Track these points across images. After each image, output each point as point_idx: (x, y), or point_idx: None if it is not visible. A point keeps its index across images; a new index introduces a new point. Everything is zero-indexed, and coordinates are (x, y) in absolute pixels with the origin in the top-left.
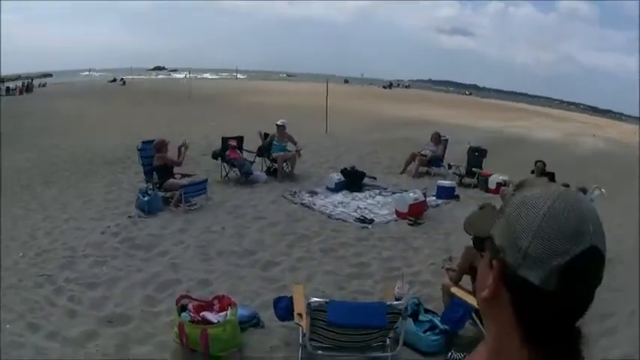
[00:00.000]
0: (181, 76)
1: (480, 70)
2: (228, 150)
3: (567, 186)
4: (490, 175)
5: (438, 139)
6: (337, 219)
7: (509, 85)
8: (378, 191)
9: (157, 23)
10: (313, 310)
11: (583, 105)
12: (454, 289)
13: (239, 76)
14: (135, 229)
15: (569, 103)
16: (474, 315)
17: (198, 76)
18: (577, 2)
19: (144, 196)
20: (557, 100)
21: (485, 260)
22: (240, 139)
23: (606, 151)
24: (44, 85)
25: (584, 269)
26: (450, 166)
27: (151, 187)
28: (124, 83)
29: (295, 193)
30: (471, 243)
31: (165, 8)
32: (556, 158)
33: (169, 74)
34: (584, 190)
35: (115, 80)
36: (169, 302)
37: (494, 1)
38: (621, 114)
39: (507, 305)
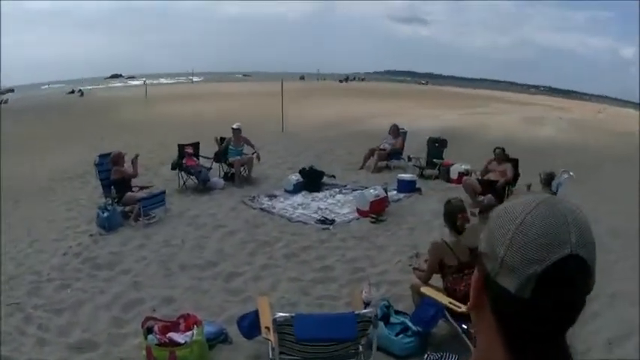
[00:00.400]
0: (139, 82)
1: (437, 57)
2: (185, 157)
3: (550, 176)
4: (451, 165)
5: (396, 131)
6: (298, 222)
7: (467, 72)
8: (337, 190)
9: (111, 29)
10: (279, 326)
11: (544, 87)
12: (424, 289)
13: (195, 79)
14: (96, 248)
15: (530, 86)
16: (446, 313)
17: (155, 82)
18: None
19: (103, 213)
20: (517, 84)
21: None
22: (196, 146)
23: (571, 134)
24: (6, 102)
25: (562, 277)
26: (410, 159)
27: (109, 202)
28: (82, 94)
29: (254, 197)
30: (437, 238)
31: (121, 12)
32: (520, 144)
33: (126, 82)
34: (551, 175)
35: (73, 92)
36: (135, 323)
37: None
38: (584, 93)
39: (490, 313)
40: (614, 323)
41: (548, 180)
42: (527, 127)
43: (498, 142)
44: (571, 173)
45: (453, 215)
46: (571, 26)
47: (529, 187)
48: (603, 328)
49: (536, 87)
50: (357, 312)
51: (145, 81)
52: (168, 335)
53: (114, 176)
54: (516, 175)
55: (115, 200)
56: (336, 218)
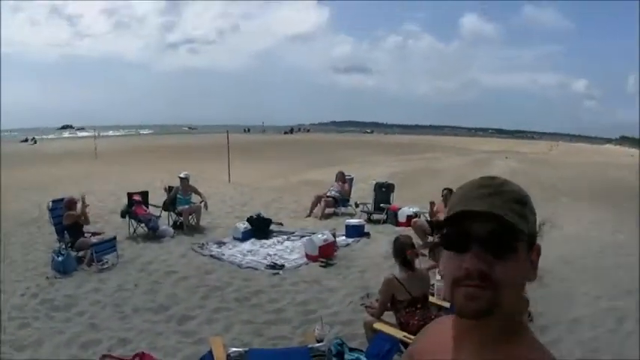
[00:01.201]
0: (88, 134)
1: (382, 106)
2: (134, 206)
3: None
4: (399, 209)
5: (342, 178)
6: (248, 267)
7: (412, 119)
8: (286, 237)
9: (64, 79)
10: None
11: (492, 129)
12: (377, 325)
13: (143, 131)
14: (52, 290)
15: (477, 129)
16: (401, 347)
17: (103, 134)
18: (481, 24)
19: (58, 257)
20: (463, 127)
21: (521, 254)
22: (144, 194)
23: (524, 170)
24: None
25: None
26: (357, 205)
27: (63, 246)
28: (35, 142)
29: (203, 245)
30: (388, 276)
31: (72, 63)
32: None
33: (75, 133)
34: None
35: (26, 140)
36: None
37: (391, 35)
38: (534, 132)
39: None
40: (575, 347)
41: None
42: (475, 169)
43: (446, 184)
44: (550, 224)
45: (402, 251)
46: (519, 64)
47: None
48: (566, 353)
49: (484, 130)
50: (310, 346)
51: (96, 133)
52: None
53: (66, 221)
54: None
55: (69, 245)
56: (285, 263)
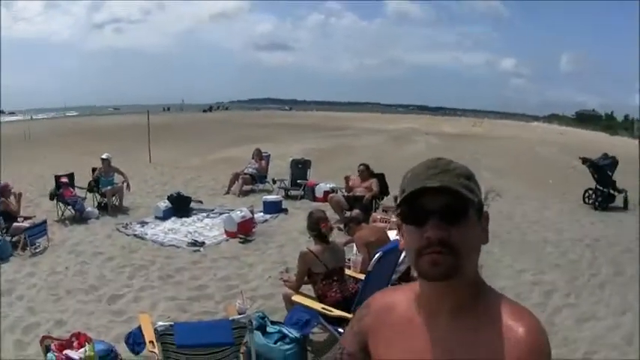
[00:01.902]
0: (18, 118)
1: (302, 83)
2: (61, 188)
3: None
4: (316, 184)
5: (259, 155)
6: (170, 245)
7: (333, 96)
8: (205, 214)
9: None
10: (161, 335)
11: (413, 106)
12: (296, 297)
13: (70, 113)
14: None
15: (399, 106)
16: (321, 319)
17: (33, 117)
18: (407, 4)
19: None
20: (384, 104)
21: (473, 221)
22: (71, 176)
23: (442, 146)
24: None
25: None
26: (274, 181)
27: (0, 233)
28: None
29: (127, 225)
30: (303, 249)
31: (10, 47)
32: (387, 161)
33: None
34: None
35: None
36: (36, 345)
37: (314, 13)
38: (456, 109)
39: None
40: None
41: None
42: (394, 145)
43: (364, 160)
44: (495, 192)
45: (317, 225)
46: (444, 43)
47: (396, 198)
48: None
49: (406, 106)
50: (231, 318)
51: (28, 117)
52: (64, 352)
53: (1, 208)
54: (384, 189)
55: (4, 231)
56: (205, 240)
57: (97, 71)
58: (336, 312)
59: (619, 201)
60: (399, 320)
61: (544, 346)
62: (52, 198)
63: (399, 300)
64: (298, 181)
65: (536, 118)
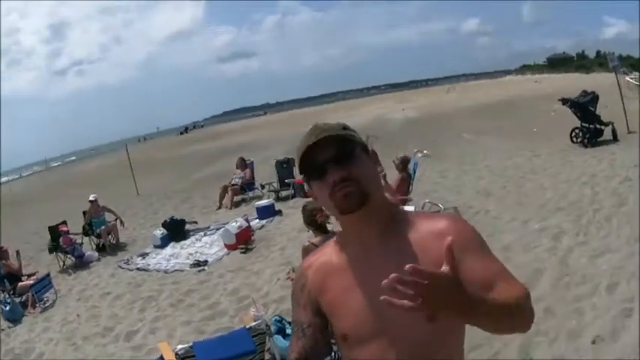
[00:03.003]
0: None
1: (270, 86)
2: (61, 237)
3: (405, 160)
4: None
5: (242, 164)
6: (174, 271)
7: (304, 92)
8: (202, 233)
9: None
10: (183, 359)
11: (384, 85)
12: None
13: (54, 164)
14: (10, 340)
15: (370, 88)
16: None
17: (12, 177)
18: None
19: (5, 307)
20: (355, 90)
21: (363, 158)
22: (63, 224)
23: (418, 117)
24: None
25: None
26: (263, 186)
27: (6, 295)
28: None
29: (128, 260)
30: (304, 243)
31: None
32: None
33: None
34: (406, 159)
35: None
36: None
37: (269, 16)
38: (427, 79)
39: None
40: (515, 271)
41: (404, 164)
42: (374, 125)
43: None
44: (425, 152)
45: (312, 216)
46: (402, 19)
47: (384, 176)
48: None
49: (377, 87)
50: (248, 326)
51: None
52: None
53: (3, 270)
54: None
55: (11, 292)
56: (208, 259)
57: (69, 116)
58: None
59: (607, 134)
60: (338, 264)
61: (465, 223)
62: (51, 251)
63: (328, 253)
64: (286, 181)
65: (508, 72)
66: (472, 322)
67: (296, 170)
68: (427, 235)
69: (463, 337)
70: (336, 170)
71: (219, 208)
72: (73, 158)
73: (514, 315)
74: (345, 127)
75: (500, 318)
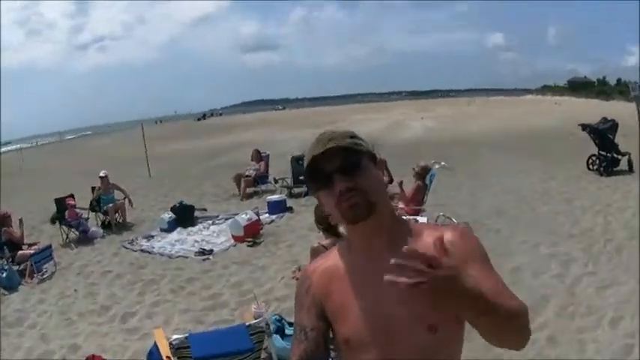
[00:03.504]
0: (13, 147)
1: (291, 81)
2: (67, 210)
3: (425, 169)
4: None
5: (258, 156)
6: (178, 257)
7: (324, 90)
8: (210, 221)
9: None
10: (177, 349)
11: (405, 92)
12: None
13: (69, 136)
14: (3, 307)
15: (391, 93)
16: None
17: (27, 145)
18: None
19: (2, 273)
20: (376, 93)
21: (369, 167)
22: (70, 197)
23: (438, 128)
24: None
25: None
26: (276, 180)
27: (5, 262)
28: None
29: (133, 240)
30: (314, 244)
31: None
32: (386, 148)
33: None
34: (426, 168)
35: None
36: None
37: (296, 8)
38: (450, 90)
39: None
40: (522, 295)
41: (423, 172)
42: (392, 131)
43: None
44: (442, 163)
45: (324, 217)
46: (429, 27)
47: (401, 183)
48: None
49: (398, 93)
50: (247, 323)
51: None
52: None
53: (4, 237)
54: (388, 176)
55: (10, 260)
56: (214, 248)
57: (88, 92)
58: None
59: (623, 164)
60: (345, 269)
61: (470, 232)
62: (53, 222)
63: (334, 258)
64: (300, 178)
65: (529, 91)
66: (470, 316)
67: None
68: (432, 245)
69: (461, 348)
70: (342, 180)
71: (240, 196)
72: (89, 133)
73: (512, 321)
74: (352, 136)
75: (499, 320)
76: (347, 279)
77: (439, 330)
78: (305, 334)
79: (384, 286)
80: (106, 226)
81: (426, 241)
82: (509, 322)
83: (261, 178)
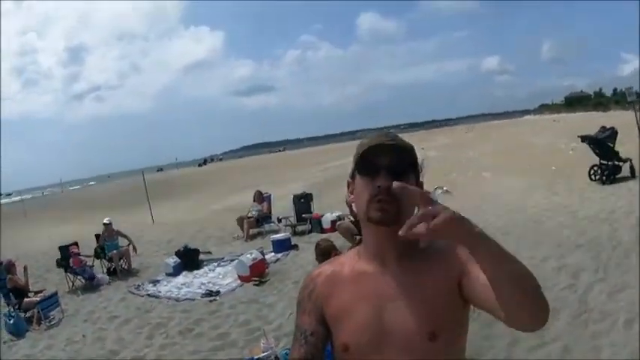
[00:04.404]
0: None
1: (289, 122)
2: (71, 258)
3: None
4: (322, 216)
5: (260, 197)
6: (185, 299)
7: (323, 129)
8: (216, 263)
9: None
10: None
11: (403, 125)
12: None
13: (72, 187)
14: (11, 353)
15: (390, 127)
16: None
17: (28, 196)
18: (379, 22)
19: (10, 320)
20: (374, 129)
21: (412, 182)
22: (75, 245)
23: (440, 156)
24: None
25: None
26: (280, 220)
27: (12, 309)
28: None
29: (139, 286)
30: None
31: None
32: None
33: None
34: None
35: None
36: None
37: (290, 50)
38: (447, 119)
39: None
40: None
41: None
42: None
43: None
44: (445, 188)
45: (328, 254)
46: (422, 57)
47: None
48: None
49: (397, 126)
50: (255, 357)
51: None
52: None
53: (9, 285)
54: None
55: (17, 307)
56: (220, 289)
57: (86, 142)
58: None
59: (625, 171)
60: (350, 275)
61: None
62: (59, 266)
63: (343, 263)
64: (303, 216)
65: (527, 112)
66: (477, 252)
67: (313, 205)
68: (440, 261)
69: (463, 356)
70: (387, 179)
71: (245, 238)
72: (92, 183)
73: (524, 278)
74: (411, 149)
75: (509, 267)
76: (350, 285)
77: (439, 338)
78: (305, 338)
79: (387, 293)
80: (112, 273)
81: (435, 260)
82: (520, 278)
83: (264, 219)
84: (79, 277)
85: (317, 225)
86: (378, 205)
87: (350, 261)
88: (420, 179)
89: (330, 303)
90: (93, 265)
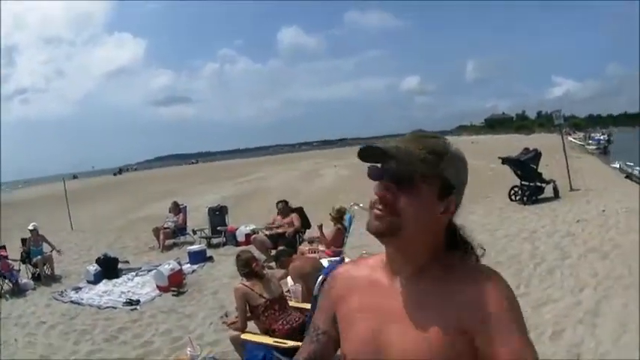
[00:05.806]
0: None
1: (205, 135)
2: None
3: (340, 212)
4: (237, 229)
5: (176, 208)
6: (107, 307)
7: (237, 143)
8: (134, 273)
9: None
10: None
11: (316, 142)
12: (245, 335)
13: None
14: None
15: (301, 144)
16: (275, 353)
17: None
18: (303, 39)
19: None
20: (287, 145)
21: (425, 192)
22: (3, 249)
23: (352, 176)
24: None
25: None
26: (194, 232)
27: None
28: None
29: (62, 292)
30: (236, 285)
31: None
32: (303, 195)
33: None
34: (341, 211)
35: None
36: None
37: (208, 63)
38: (358, 138)
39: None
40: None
41: (339, 216)
42: (306, 181)
43: (280, 198)
44: (361, 205)
45: (249, 264)
46: (341, 74)
47: (320, 227)
48: None
49: (309, 143)
50: None
51: None
52: None
53: None
54: (305, 222)
55: None
56: (140, 298)
57: (8, 144)
58: (290, 343)
59: (548, 192)
60: (364, 282)
61: (502, 291)
62: None
63: (365, 267)
64: (218, 228)
65: (445, 133)
66: None
67: (228, 218)
68: (456, 295)
69: None
70: (383, 188)
71: (161, 248)
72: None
73: None
74: (434, 152)
75: None
76: (362, 293)
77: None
78: (317, 335)
79: (390, 312)
80: (36, 278)
81: (455, 281)
82: None
83: (180, 230)
84: (6, 280)
85: (231, 237)
86: (374, 212)
87: (373, 265)
88: (453, 195)
89: (342, 306)
90: (19, 270)
